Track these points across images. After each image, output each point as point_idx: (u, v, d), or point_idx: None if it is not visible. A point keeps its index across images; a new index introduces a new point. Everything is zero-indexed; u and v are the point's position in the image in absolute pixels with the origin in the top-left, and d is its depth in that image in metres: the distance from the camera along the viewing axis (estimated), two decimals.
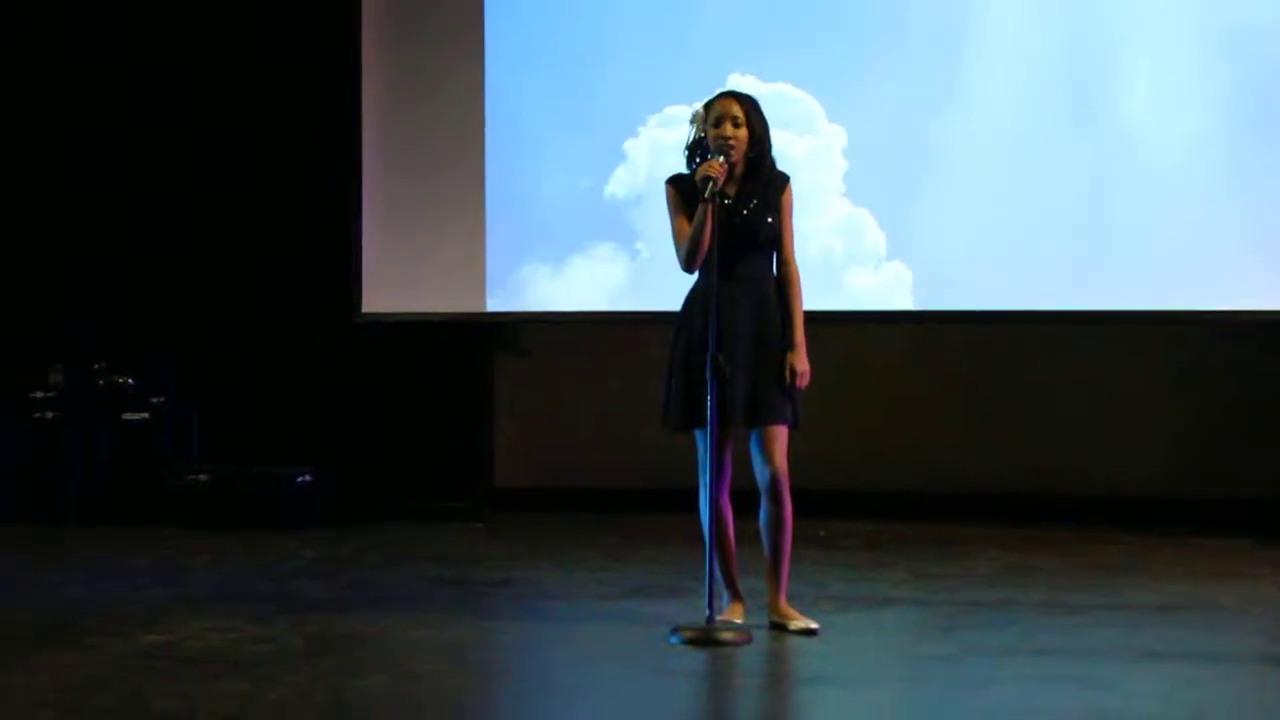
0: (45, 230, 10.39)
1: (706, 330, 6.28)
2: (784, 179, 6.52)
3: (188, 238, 10.28)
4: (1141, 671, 5.93)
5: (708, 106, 6.48)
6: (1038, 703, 5.50)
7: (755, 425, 6.39)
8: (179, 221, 10.26)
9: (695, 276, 6.47)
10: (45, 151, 10.39)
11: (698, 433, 6.40)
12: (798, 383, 6.41)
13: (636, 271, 9.51)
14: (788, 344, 6.44)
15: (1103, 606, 7.09)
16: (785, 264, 6.51)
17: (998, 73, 9.19)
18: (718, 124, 6.41)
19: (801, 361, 6.43)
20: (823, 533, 8.81)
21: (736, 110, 6.43)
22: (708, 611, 6.26)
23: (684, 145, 6.55)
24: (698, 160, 6.44)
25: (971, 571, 8.01)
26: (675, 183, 6.51)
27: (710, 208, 6.28)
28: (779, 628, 6.43)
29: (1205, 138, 9.00)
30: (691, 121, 6.53)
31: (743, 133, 6.41)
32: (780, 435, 6.40)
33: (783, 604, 6.49)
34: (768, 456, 6.38)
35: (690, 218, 6.37)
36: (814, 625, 6.42)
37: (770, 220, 6.44)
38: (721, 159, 6.33)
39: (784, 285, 6.49)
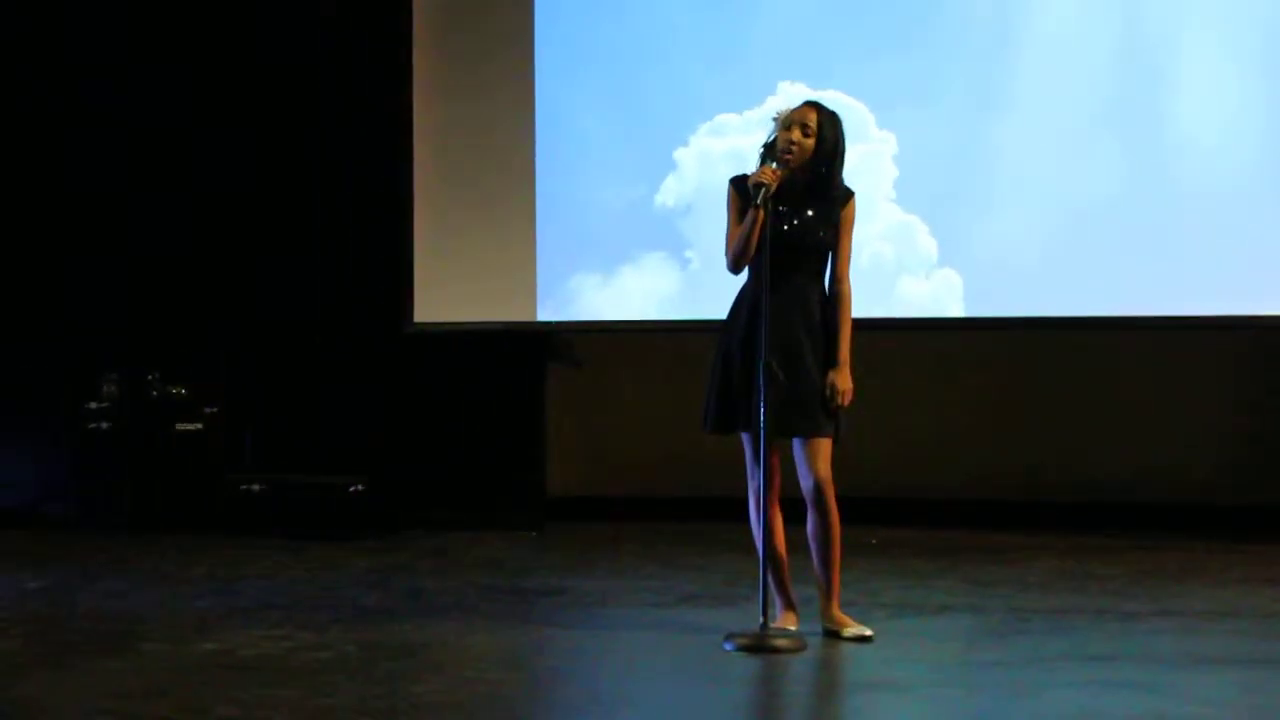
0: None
1: (748, 335, 6.30)
2: (847, 195, 6.48)
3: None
4: (1197, 677, 5.90)
5: (790, 110, 6.47)
6: (1093, 708, 5.48)
7: (795, 437, 6.38)
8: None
9: (742, 281, 6.47)
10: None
11: (745, 441, 6.40)
12: (840, 400, 6.40)
13: (687, 281, 9.50)
14: (832, 361, 6.42)
15: (1158, 613, 7.06)
16: (838, 281, 6.48)
17: (1048, 79, 9.16)
18: (788, 127, 6.39)
19: (845, 380, 6.40)
20: (874, 540, 8.80)
21: (811, 119, 6.40)
22: (761, 619, 6.26)
23: (762, 144, 6.54)
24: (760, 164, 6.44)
25: (1025, 579, 7.97)
26: (736, 183, 6.50)
27: (761, 213, 6.28)
28: (833, 635, 6.43)
29: (1256, 144, 8.95)
30: (774, 119, 6.51)
31: (809, 142, 6.37)
32: (823, 446, 6.38)
33: (836, 611, 6.48)
34: (810, 466, 6.37)
35: (743, 220, 6.37)
36: (868, 632, 6.41)
37: (822, 234, 6.42)
38: (775, 165, 6.32)
39: (834, 301, 6.46)
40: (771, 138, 6.47)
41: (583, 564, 8.57)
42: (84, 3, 10.38)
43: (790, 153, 6.34)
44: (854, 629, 6.42)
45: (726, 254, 6.45)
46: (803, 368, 6.36)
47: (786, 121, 6.40)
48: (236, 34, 10.29)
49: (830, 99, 8.92)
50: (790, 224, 6.38)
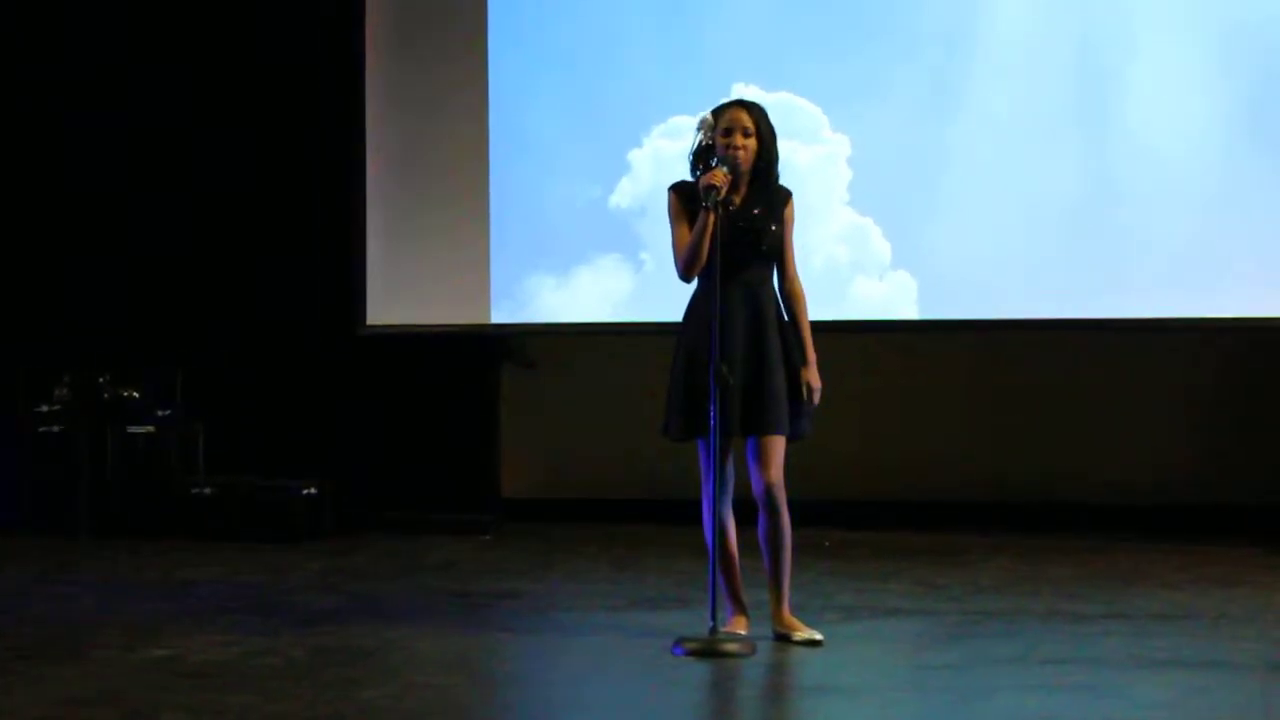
0: (45, 230, 10.38)
1: (707, 339, 6.27)
2: (786, 194, 6.50)
3: (188, 238, 10.26)
4: (1148, 679, 5.92)
5: (716, 114, 6.46)
6: (1043, 712, 5.49)
7: (751, 434, 6.37)
8: (179, 221, 10.24)
9: (695, 285, 6.46)
10: (45, 151, 10.39)
11: (700, 443, 6.39)
12: (813, 399, 6.42)
13: (641, 282, 9.50)
14: (800, 360, 6.43)
15: (1109, 615, 7.08)
16: (790, 280, 6.49)
17: (1002, 81, 9.18)
18: (728, 134, 6.39)
19: (815, 378, 6.43)
20: (827, 543, 8.80)
21: (747, 120, 6.41)
22: (711, 623, 6.25)
23: (689, 152, 6.53)
24: (701, 169, 6.43)
25: (977, 581, 7.99)
26: (677, 190, 6.48)
27: (712, 217, 6.27)
28: (783, 639, 6.42)
29: (1209, 146, 8.98)
30: (699, 129, 6.49)
31: (752, 143, 6.39)
32: (776, 446, 6.38)
33: (786, 615, 6.48)
34: (763, 467, 6.36)
35: (691, 226, 6.35)
36: (818, 636, 6.41)
37: (773, 228, 6.42)
38: (725, 169, 6.31)
39: (789, 301, 6.48)
40: (697, 145, 6.47)
41: (536, 567, 8.56)
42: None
43: (740, 158, 6.34)
44: (804, 633, 6.42)
45: (676, 263, 6.43)
46: (765, 366, 6.36)
47: (722, 128, 6.39)
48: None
49: (783, 100, 9.04)
50: (741, 223, 6.38)
